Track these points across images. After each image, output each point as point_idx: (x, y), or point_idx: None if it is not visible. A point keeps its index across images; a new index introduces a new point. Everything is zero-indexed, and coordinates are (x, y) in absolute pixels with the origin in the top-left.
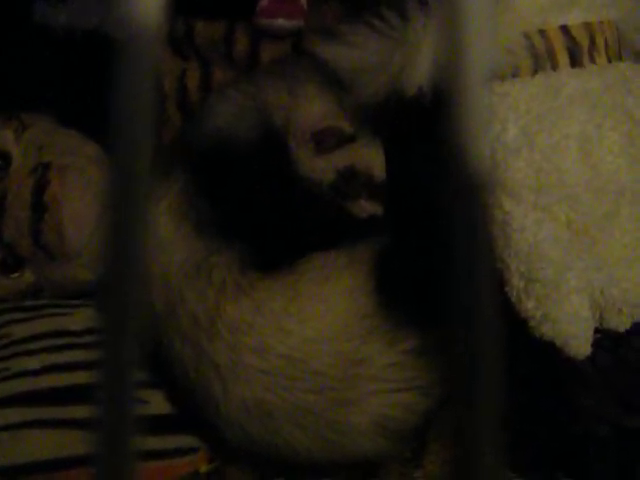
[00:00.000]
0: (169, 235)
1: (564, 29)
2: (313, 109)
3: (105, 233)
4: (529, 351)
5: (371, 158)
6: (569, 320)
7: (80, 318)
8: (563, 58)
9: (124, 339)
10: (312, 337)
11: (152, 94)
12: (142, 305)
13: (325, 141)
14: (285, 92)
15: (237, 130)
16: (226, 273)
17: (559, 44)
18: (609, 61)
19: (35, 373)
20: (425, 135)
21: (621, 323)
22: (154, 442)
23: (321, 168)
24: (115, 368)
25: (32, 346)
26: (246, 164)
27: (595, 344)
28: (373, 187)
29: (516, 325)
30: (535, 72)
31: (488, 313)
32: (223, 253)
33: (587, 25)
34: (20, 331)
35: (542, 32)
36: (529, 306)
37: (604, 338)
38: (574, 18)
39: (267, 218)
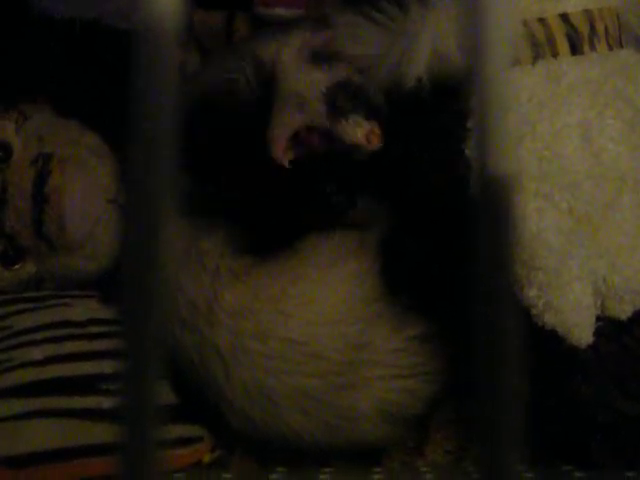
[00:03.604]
0: None
1: (564, 17)
2: (307, 33)
3: (127, 224)
4: (530, 340)
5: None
6: (571, 308)
7: (82, 309)
8: (563, 46)
9: (147, 330)
10: (313, 320)
11: (174, 84)
12: (165, 296)
13: (322, 55)
14: (272, 37)
15: (221, 92)
16: (218, 259)
17: (559, 32)
18: (610, 48)
19: (39, 363)
20: (424, 124)
21: (622, 311)
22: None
23: (316, 78)
24: (139, 360)
25: (35, 337)
26: (232, 131)
27: (597, 332)
28: (369, 105)
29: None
30: (535, 60)
31: (510, 305)
32: (210, 237)
33: (587, 12)
34: (23, 322)
35: (542, 20)
36: (531, 294)
37: (606, 326)
38: (574, 6)
39: (252, 198)
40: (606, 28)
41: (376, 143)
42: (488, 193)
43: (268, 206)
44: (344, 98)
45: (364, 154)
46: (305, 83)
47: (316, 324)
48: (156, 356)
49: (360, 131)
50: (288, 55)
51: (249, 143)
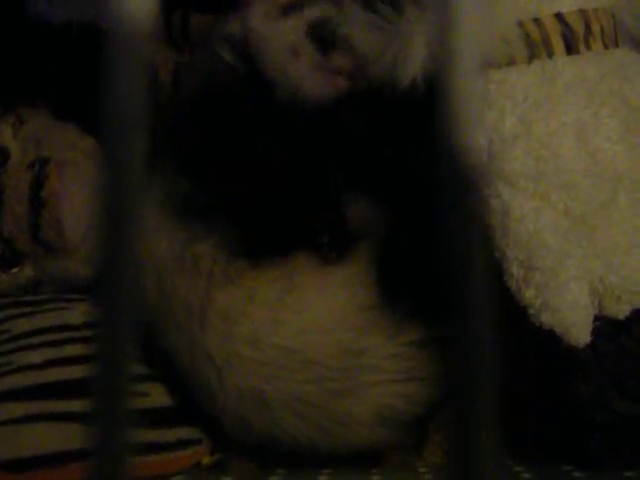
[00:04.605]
0: (152, 223)
1: (559, 17)
2: None
3: (99, 227)
4: (528, 340)
5: (338, 13)
6: (569, 308)
7: (80, 312)
8: (559, 45)
9: (119, 332)
10: (308, 328)
11: (144, 87)
12: (137, 298)
13: (290, 7)
14: (234, 13)
15: (209, 90)
16: (212, 263)
17: (554, 32)
18: (605, 48)
19: (37, 367)
20: (419, 126)
21: (620, 310)
22: (156, 435)
23: (293, 24)
24: (110, 360)
25: (33, 340)
26: (224, 128)
27: (595, 332)
28: (346, 41)
29: (516, 315)
30: (531, 60)
31: (484, 305)
32: (205, 241)
33: (582, 12)
34: (21, 326)
35: (537, 20)
36: (528, 294)
37: (603, 326)
38: (569, 5)
39: (247, 197)
40: (602, 28)
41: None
42: (456, 187)
43: (265, 207)
44: (326, 33)
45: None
46: (286, 32)
47: (312, 332)
48: (129, 358)
49: (351, 59)
50: (256, 20)
51: (242, 138)
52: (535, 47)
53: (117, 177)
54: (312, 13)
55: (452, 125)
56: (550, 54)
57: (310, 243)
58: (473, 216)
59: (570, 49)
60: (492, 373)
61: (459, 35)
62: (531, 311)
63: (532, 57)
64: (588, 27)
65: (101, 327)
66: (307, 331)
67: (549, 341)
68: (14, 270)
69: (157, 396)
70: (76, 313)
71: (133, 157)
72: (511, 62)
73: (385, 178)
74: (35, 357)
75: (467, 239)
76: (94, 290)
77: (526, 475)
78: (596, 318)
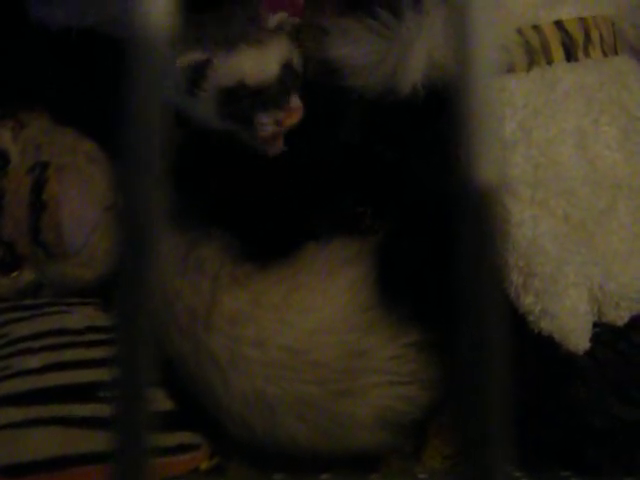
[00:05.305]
0: None
1: (558, 24)
2: None
3: (117, 233)
4: (528, 347)
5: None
6: (568, 314)
7: (80, 316)
8: (558, 53)
9: (139, 338)
10: (313, 329)
11: (161, 92)
12: (156, 304)
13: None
14: None
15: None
16: (219, 265)
17: (554, 39)
18: (604, 55)
19: (36, 372)
20: (420, 132)
21: (619, 317)
22: (157, 439)
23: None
24: (131, 367)
25: (33, 345)
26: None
27: (594, 338)
28: (299, 79)
29: (514, 321)
30: (530, 67)
31: (495, 313)
32: (209, 244)
33: (582, 20)
34: (20, 330)
35: (536, 27)
36: (528, 301)
37: (603, 332)
38: (568, 13)
39: (244, 201)
40: (601, 35)
41: None
42: (472, 202)
43: (266, 211)
44: (289, 77)
45: None
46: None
47: (316, 332)
48: (149, 363)
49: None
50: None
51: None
52: (534, 54)
53: (134, 181)
54: (280, 52)
55: (465, 131)
56: (549, 61)
57: (350, 213)
58: (489, 226)
59: (569, 56)
60: (504, 380)
61: (475, 41)
62: (530, 317)
63: (531, 64)
64: (587, 35)
65: (121, 332)
66: (312, 332)
67: (548, 347)
68: (14, 274)
69: (160, 401)
70: (76, 317)
71: (151, 160)
72: (510, 69)
73: (385, 182)
74: (34, 361)
75: (483, 250)
76: (113, 295)
77: None
78: (595, 325)
